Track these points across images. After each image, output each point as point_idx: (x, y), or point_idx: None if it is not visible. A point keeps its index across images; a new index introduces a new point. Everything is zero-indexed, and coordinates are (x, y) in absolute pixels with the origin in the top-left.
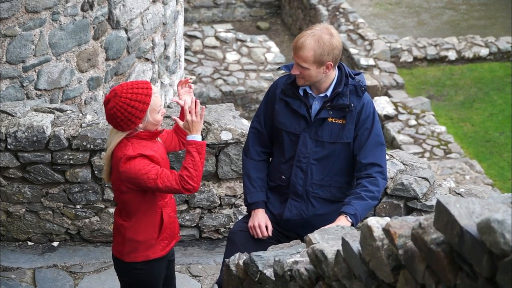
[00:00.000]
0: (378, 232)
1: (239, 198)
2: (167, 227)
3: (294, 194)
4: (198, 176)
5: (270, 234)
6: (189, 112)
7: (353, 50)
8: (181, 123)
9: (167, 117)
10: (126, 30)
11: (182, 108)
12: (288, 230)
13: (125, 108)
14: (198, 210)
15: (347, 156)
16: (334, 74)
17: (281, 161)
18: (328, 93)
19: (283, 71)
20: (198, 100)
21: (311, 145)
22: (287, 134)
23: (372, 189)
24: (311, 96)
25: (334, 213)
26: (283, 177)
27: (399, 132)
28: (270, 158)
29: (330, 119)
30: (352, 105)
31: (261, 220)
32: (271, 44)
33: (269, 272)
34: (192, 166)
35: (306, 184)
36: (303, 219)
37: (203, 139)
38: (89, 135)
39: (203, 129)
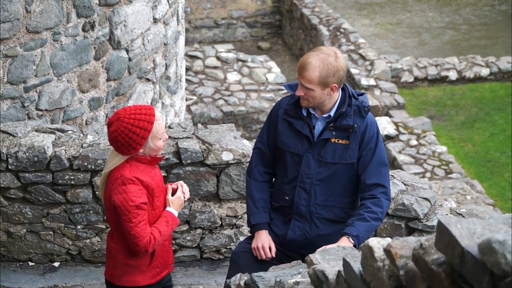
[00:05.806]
0: (379, 253)
1: (240, 218)
2: (159, 255)
3: (297, 214)
4: (158, 244)
5: (274, 255)
6: (183, 192)
7: (354, 70)
8: (170, 197)
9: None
10: (127, 51)
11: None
12: (291, 251)
13: (126, 134)
14: (199, 231)
15: (350, 177)
16: (337, 95)
17: (284, 182)
18: (332, 113)
19: (285, 91)
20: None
21: (314, 166)
22: (290, 154)
23: (375, 210)
24: (314, 117)
25: (337, 234)
26: (286, 197)
27: (400, 152)
28: (274, 179)
29: (333, 140)
30: (356, 125)
31: (264, 242)
32: (272, 64)
33: None
34: (161, 234)
35: (310, 204)
36: (306, 240)
37: (204, 160)
38: (90, 155)
39: (205, 149)
